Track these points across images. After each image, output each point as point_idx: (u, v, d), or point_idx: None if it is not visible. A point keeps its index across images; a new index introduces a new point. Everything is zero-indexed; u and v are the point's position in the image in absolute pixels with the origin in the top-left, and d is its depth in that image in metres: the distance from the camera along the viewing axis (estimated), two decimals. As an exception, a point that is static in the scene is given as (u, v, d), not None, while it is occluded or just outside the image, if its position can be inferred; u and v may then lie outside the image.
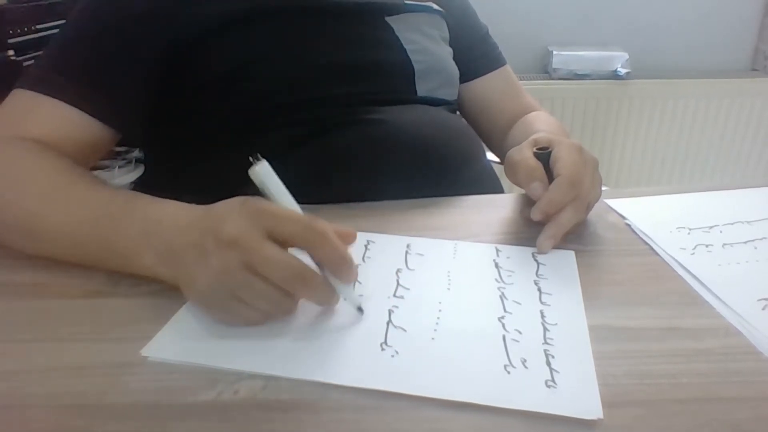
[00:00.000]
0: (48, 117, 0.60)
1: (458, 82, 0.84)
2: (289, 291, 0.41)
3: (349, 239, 0.45)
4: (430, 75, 0.76)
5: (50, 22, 1.28)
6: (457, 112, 0.88)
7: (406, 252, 0.54)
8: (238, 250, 0.40)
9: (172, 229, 0.45)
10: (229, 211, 0.42)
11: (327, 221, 0.43)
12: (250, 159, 0.42)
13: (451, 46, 0.85)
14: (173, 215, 0.46)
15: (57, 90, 0.61)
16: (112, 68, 0.64)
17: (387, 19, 0.76)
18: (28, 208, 0.53)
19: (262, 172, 0.43)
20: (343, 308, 0.45)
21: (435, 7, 0.83)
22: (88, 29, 0.66)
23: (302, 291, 0.42)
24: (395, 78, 0.74)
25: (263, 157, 0.43)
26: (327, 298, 0.43)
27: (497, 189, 0.77)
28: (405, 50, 0.75)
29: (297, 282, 0.41)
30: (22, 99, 0.61)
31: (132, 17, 0.65)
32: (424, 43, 0.78)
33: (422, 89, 0.76)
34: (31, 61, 1.20)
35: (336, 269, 0.42)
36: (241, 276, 0.40)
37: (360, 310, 0.45)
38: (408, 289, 0.49)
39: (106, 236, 0.49)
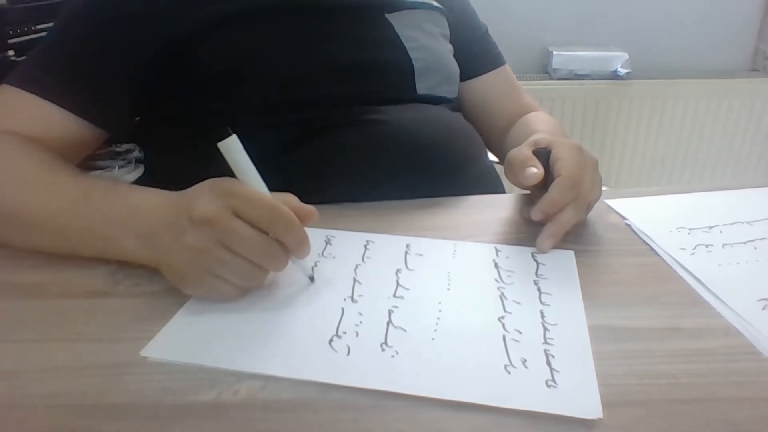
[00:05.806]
0: (31, 114, 0.61)
1: (458, 79, 0.83)
2: (259, 264, 0.44)
3: (311, 219, 0.47)
4: (429, 73, 0.76)
5: (50, 22, 1.27)
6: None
7: (406, 252, 0.54)
8: (209, 227, 0.43)
9: (150, 213, 0.48)
10: (200, 192, 0.45)
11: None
12: (221, 132, 0.44)
13: (451, 43, 0.85)
14: (152, 200, 0.50)
15: (42, 88, 0.61)
16: (99, 67, 0.64)
17: (387, 16, 0.75)
18: (10, 195, 0.54)
19: (231, 147, 0.45)
20: (344, 309, 0.46)
21: (435, 3, 0.83)
22: (78, 28, 0.66)
23: (270, 264, 0.45)
24: (395, 77, 0.74)
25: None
26: (283, 267, 0.47)
27: (498, 189, 0.77)
28: (405, 48, 0.74)
29: (265, 256, 0.44)
30: (7, 96, 0.61)
31: (123, 17, 0.65)
32: (424, 40, 0.78)
33: (422, 87, 0.75)
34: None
35: (296, 251, 0.46)
36: (215, 252, 0.43)
37: (311, 279, 0.49)
38: (408, 289, 0.49)
39: (85, 221, 0.51)
